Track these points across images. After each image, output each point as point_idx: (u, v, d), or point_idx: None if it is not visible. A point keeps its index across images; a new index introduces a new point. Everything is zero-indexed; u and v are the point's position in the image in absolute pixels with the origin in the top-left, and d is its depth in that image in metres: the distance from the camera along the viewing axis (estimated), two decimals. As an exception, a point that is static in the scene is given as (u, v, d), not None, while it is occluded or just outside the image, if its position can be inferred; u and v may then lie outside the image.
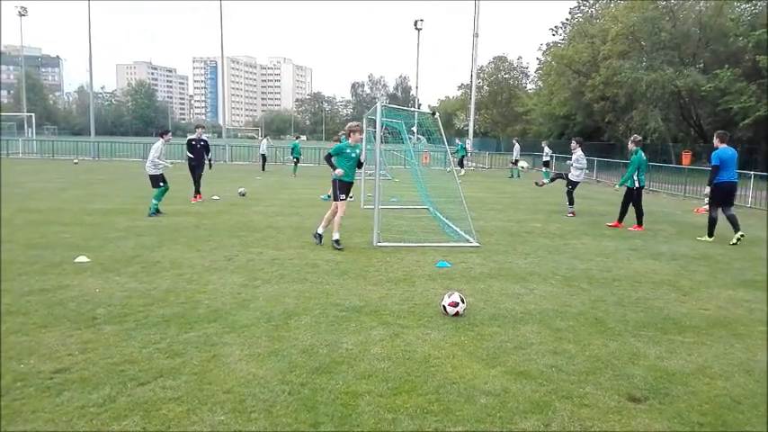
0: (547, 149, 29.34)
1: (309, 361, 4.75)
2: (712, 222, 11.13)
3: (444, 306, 6.04)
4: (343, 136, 11.69)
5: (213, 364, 4.63)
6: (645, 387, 4.42)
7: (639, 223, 12.33)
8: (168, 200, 13.54)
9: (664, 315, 6.30)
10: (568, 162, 15.15)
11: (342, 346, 5.10)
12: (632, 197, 12.44)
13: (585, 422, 3.86)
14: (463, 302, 6.04)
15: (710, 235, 11.13)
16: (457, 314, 5.97)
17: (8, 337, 5.08)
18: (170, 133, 13.78)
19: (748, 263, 9.17)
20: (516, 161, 30.01)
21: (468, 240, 10.30)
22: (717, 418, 3.97)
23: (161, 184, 12.83)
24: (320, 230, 9.88)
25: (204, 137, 16.25)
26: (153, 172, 12.87)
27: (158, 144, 13.12)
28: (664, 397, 4.26)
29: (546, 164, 29.30)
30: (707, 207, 14.44)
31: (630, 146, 12.58)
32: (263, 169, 29.02)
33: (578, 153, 14.81)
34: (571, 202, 14.70)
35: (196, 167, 15.57)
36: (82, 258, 8.10)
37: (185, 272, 7.64)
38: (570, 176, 14.82)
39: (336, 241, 9.45)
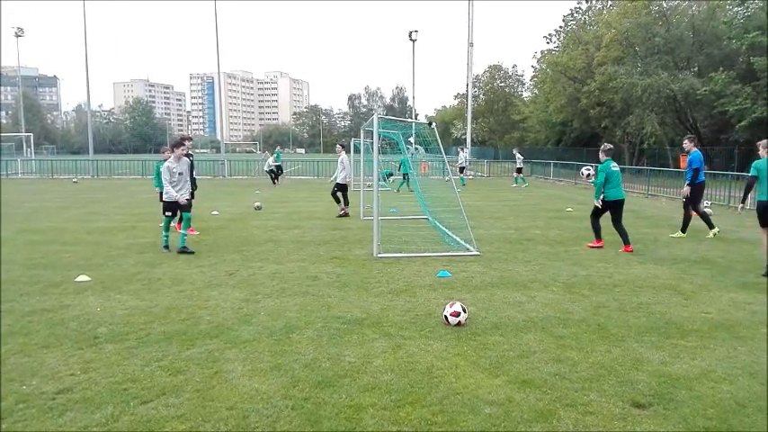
0: (519, 156, 29.88)
1: (312, 375, 4.74)
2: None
3: (446, 316, 6.03)
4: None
5: (216, 381, 4.62)
6: (649, 393, 4.41)
7: (626, 243, 10.49)
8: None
9: (666, 320, 6.29)
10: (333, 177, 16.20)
11: (344, 359, 5.09)
12: (596, 211, 10.87)
13: (590, 429, 3.85)
14: (465, 312, 6.03)
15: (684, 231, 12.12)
16: (459, 324, 5.97)
17: (10, 359, 5.07)
18: (183, 146, 10.39)
19: (749, 265, 9.17)
20: (462, 168, 30.48)
21: (468, 249, 10.30)
22: (722, 422, 3.96)
23: (167, 213, 10.38)
24: None
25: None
26: (164, 197, 10.45)
27: (166, 164, 10.25)
28: (668, 402, 4.25)
29: (519, 170, 29.87)
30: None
31: (602, 156, 10.83)
32: (275, 183, 28.23)
33: (342, 156, 16.08)
34: (343, 202, 15.82)
35: None
36: (83, 277, 8.10)
37: (186, 288, 7.64)
38: (338, 180, 15.92)
39: None
